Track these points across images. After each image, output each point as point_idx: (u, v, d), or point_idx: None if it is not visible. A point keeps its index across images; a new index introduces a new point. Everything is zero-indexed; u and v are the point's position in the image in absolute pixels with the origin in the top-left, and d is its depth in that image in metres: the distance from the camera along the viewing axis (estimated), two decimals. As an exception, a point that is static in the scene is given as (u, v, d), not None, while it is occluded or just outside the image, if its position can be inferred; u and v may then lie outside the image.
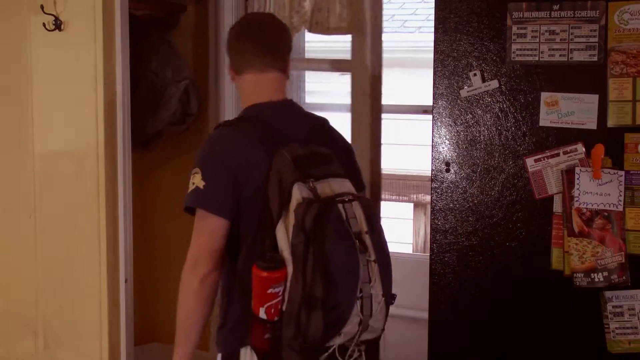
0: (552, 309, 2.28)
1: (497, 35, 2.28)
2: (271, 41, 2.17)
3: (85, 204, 2.79)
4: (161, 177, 3.55)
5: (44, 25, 2.77)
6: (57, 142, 2.87)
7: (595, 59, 2.20)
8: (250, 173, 2.00)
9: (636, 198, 2.19)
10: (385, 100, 3.14)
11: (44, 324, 2.93)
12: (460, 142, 2.34)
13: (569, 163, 2.23)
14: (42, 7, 2.76)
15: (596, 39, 2.19)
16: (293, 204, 1.87)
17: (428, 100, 2.41)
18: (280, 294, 1.85)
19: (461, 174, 2.35)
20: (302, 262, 1.82)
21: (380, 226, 2.16)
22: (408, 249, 5.48)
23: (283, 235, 1.87)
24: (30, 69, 2.88)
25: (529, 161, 2.27)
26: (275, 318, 1.87)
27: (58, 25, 2.76)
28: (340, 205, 1.90)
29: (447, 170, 2.36)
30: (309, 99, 3.65)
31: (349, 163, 2.20)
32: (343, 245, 1.87)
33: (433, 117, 2.36)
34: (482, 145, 2.32)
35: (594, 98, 2.20)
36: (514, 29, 2.26)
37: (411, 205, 5.67)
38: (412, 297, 2.86)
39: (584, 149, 2.22)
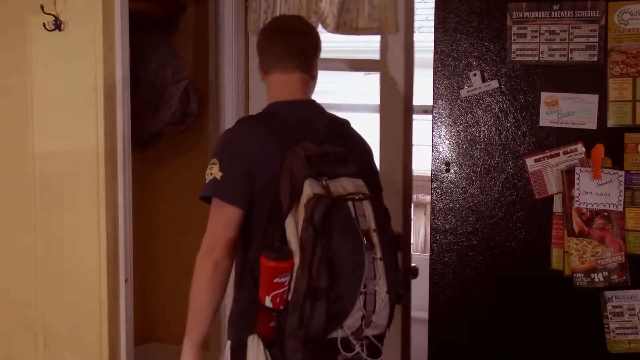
0: (552, 309, 2.28)
1: (497, 35, 2.28)
2: (299, 44, 2.21)
3: (85, 204, 2.79)
4: (161, 177, 3.54)
5: (44, 25, 2.77)
6: (57, 142, 2.87)
7: (595, 59, 2.20)
8: (263, 166, 2.05)
9: (636, 198, 2.19)
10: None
11: (44, 324, 2.92)
12: (460, 142, 2.34)
13: (569, 163, 2.23)
14: (42, 7, 2.76)
15: (596, 39, 2.19)
16: (304, 199, 1.92)
17: (428, 100, 2.41)
18: (286, 283, 1.91)
19: (461, 174, 2.35)
20: (310, 255, 1.88)
21: (390, 226, 2.22)
22: (408, 249, 5.47)
23: (292, 228, 1.92)
24: (30, 69, 2.88)
25: (529, 161, 2.27)
26: (281, 307, 1.93)
27: (58, 25, 2.76)
28: (350, 203, 1.95)
29: (447, 170, 2.36)
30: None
31: (367, 165, 2.24)
32: (350, 241, 1.92)
33: (433, 117, 2.37)
34: (482, 145, 2.32)
35: (594, 98, 2.20)
36: (514, 29, 2.26)
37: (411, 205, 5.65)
38: (412, 297, 2.86)
39: (584, 149, 2.22)
